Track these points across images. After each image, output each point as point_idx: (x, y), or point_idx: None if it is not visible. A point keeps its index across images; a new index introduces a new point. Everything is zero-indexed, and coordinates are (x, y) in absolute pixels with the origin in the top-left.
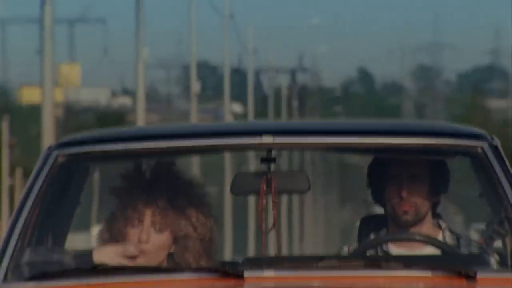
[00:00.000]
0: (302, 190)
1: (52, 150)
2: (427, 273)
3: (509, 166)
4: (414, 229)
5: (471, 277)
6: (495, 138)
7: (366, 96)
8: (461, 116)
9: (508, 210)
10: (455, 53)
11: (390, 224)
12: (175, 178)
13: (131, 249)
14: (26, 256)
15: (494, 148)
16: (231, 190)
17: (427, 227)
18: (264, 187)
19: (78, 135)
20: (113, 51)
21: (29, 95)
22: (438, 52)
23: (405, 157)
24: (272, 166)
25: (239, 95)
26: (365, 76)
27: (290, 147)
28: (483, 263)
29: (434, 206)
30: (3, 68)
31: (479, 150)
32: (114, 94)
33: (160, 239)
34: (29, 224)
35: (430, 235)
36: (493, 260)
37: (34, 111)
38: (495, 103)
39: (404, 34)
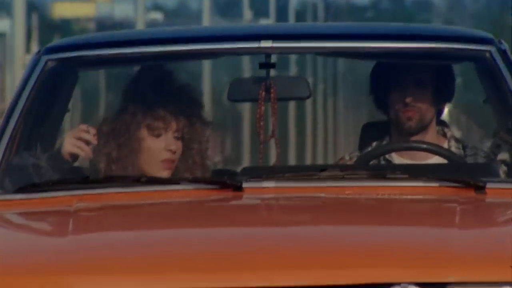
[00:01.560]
0: (302, 96)
1: (41, 55)
2: (434, 184)
3: None
4: (417, 137)
5: (480, 188)
6: (503, 42)
7: (396, 13)
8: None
9: None
10: None
11: (392, 132)
12: (182, 86)
13: (87, 135)
14: (15, 166)
15: (503, 52)
16: (228, 96)
17: (431, 135)
18: (263, 94)
19: (67, 39)
20: None
21: (61, 10)
22: None
23: (410, 61)
24: (271, 71)
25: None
26: None
27: (290, 52)
28: (492, 174)
29: (438, 114)
30: None
31: (487, 54)
32: (146, 10)
33: (179, 148)
34: (17, 132)
35: (435, 144)
36: (501, 170)
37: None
38: None
39: None
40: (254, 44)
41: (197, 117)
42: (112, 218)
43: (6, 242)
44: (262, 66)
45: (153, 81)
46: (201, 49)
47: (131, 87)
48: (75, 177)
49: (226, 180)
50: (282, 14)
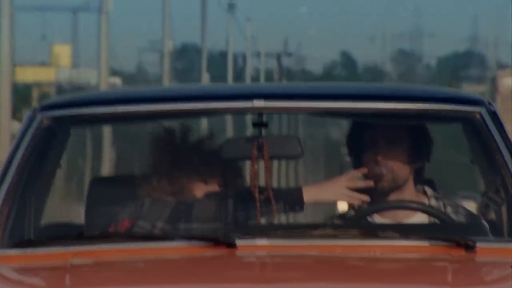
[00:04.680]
0: (294, 155)
1: (37, 112)
2: (425, 243)
3: (508, 132)
4: (394, 196)
5: (470, 247)
6: (492, 103)
7: (348, 79)
8: None
9: (507, 177)
10: (435, 40)
11: (372, 192)
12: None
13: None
14: (12, 222)
15: (493, 114)
16: (222, 155)
17: (408, 194)
18: (256, 152)
19: (61, 98)
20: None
21: (23, 75)
22: (418, 38)
23: (398, 122)
24: (264, 131)
25: (219, 77)
26: (347, 60)
27: (282, 111)
28: (480, 233)
29: (417, 172)
30: None
31: (477, 115)
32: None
33: None
34: (13, 189)
35: (429, 205)
36: (487, 229)
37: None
38: (472, 88)
39: (386, 21)
40: (247, 104)
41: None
42: (107, 275)
43: None
44: (255, 125)
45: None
46: (195, 109)
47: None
48: (70, 233)
49: (220, 237)
50: (238, 79)
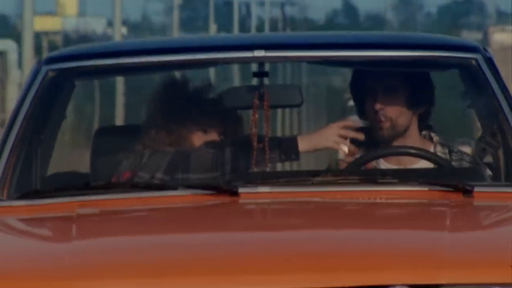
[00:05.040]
0: (295, 104)
1: (41, 65)
2: (424, 188)
3: (503, 78)
4: (397, 142)
5: (468, 192)
6: (488, 50)
7: (350, 28)
8: None
9: (503, 122)
10: None
11: (373, 137)
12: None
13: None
14: (18, 172)
15: (488, 60)
16: (224, 104)
17: (413, 140)
18: (257, 101)
19: (66, 50)
20: None
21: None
22: None
23: (393, 69)
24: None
25: (225, 26)
26: (349, 9)
27: (281, 60)
28: (479, 177)
29: (421, 119)
30: None
31: (473, 62)
32: (110, 24)
33: None
34: (20, 139)
35: (425, 149)
36: (487, 174)
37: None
38: (472, 36)
39: None
40: (248, 54)
41: (238, 127)
42: (113, 224)
43: (10, 247)
44: (256, 75)
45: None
46: (196, 59)
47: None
48: (77, 184)
49: (223, 186)
50: (244, 28)
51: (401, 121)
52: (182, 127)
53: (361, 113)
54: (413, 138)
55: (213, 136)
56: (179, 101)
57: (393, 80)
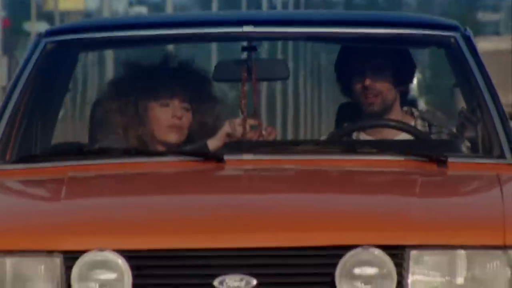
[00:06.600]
0: (282, 77)
1: (41, 38)
2: (400, 158)
3: (480, 56)
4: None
5: (442, 162)
6: (468, 29)
7: (368, 8)
8: None
9: (480, 99)
10: None
11: (362, 113)
12: (189, 63)
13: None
14: (15, 138)
15: (467, 39)
16: (213, 77)
17: (395, 114)
18: (245, 75)
19: (67, 23)
20: None
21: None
22: None
23: (374, 47)
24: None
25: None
26: None
27: (271, 37)
28: (454, 149)
29: (403, 95)
30: None
31: (452, 40)
32: (130, 4)
33: (188, 117)
34: (18, 109)
35: (402, 121)
36: (464, 146)
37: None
38: (487, 17)
39: None
40: (237, 29)
41: (206, 93)
42: (102, 185)
43: (4, 206)
44: (244, 49)
45: (159, 58)
46: (185, 33)
47: (134, 65)
48: (70, 149)
49: (209, 153)
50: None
51: (389, 96)
52: (146, 102)
53: (346, 91)
54: (396, 113)
55: (177, 106)
56: (138, 78)
57: (380, 58)
